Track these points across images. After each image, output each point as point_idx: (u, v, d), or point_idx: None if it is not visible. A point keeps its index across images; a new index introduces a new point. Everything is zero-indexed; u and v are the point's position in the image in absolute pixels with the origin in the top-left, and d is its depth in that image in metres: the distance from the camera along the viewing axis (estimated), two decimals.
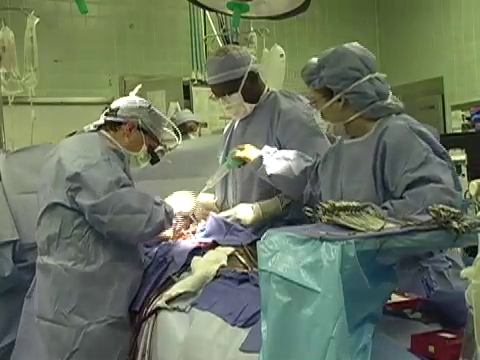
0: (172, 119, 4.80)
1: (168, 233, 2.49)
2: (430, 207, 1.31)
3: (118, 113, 2.40)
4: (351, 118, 1.95)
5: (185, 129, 4.81)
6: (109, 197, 2.17)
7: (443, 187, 1.70)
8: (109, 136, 2.39)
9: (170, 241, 2.48)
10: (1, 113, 3.70)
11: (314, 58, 2.02)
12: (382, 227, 1.27)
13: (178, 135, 2.57)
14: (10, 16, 4.17)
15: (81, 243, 2.20)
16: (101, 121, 2.41)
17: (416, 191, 1.73)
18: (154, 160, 2.49)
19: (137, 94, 2.52)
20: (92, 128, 2.41)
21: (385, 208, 1.70)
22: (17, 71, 3.71)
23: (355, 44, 2.01)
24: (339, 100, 1.94)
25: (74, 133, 2.44)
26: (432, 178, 1.74)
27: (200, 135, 4.97)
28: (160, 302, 2.09)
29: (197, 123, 4.96)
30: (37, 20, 3.82)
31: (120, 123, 2.40)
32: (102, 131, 2.40)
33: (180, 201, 2.54)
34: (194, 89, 5.34)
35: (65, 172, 2.21)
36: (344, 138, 2.05)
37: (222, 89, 2.46)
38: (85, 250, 2.20)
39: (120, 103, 2.44)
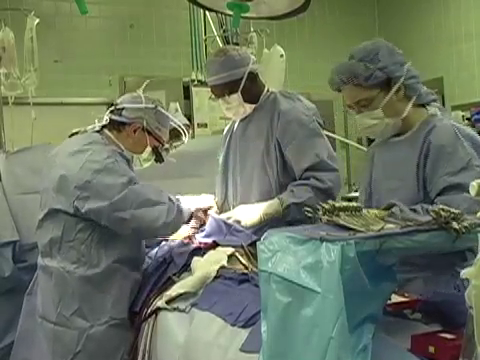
0: None
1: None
2: (430, 207, 1.31)
3: (123, 113, 2.37)
4: (409, 107, 1.89)
5: (176, 133, 4.77)
6: (125, 193, 2.16)
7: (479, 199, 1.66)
8: (112, 137, 2.36)
9: (170, 242, 2.48)
10: (1, 113, 3.71)
11: (349, 60, 1.93)
12: (382, 227, 1.28)
13: (184, 134, 2.57)
14: (10, 16, 4.17)
15: (83, 246, 2.19)
16: (105, 121, 2.36)
17: (448, 198, 1.68)
18: (159, 159, 2.47)
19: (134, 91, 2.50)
20: (97, 128, 2.37)
21: (414, 210, 1.67)
22: (17, 71, 3.71)
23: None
24: (398, 90, 1.87)
25: (77, 133, 2.41)
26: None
27: (193, 137, 4.93)
28: (160, 302, 2.09)
29: (189, 126, 4.92)
30: (37, 20, 3.82)
31: (124, 123, 2.37)
32: (105, 131, 2.37)
33: (198, 198, 2.51)
34: (194, 89, 5.33)
35: (72, 180, 2.17)
36: (380, 137, 2.00)
37: (222, 90, 2.46)
38: (87, 254, 2.19)
39: (126, 102, 2.40)
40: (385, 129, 1.92)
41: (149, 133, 2.39)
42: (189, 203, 2.40)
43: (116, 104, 2.41)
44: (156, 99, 2.47)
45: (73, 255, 2.19)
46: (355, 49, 1.94)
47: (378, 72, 1.86)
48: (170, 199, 2.30)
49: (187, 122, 4.89)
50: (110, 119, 2.37)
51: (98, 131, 2.38)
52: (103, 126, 2.38)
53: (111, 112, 2.38)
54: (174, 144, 2.52)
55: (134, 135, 2.37)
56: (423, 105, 1.93)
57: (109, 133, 2.37)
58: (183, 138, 2.56)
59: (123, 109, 2.37)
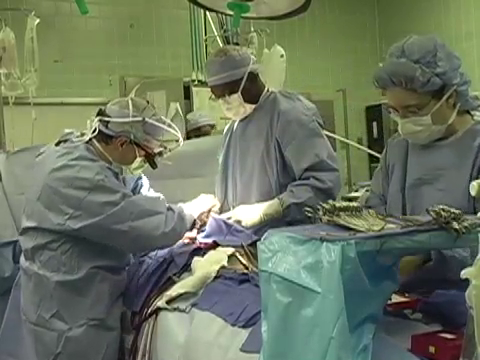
0: (187, 121, 4.79)
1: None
2: (430, 207, 1.31)
3: (109, 126, 2.28)
4: (455, 113, 1.75)
5: (200, 133, 4.81)
6: (122, 206, 2.14)
7: None
8: (100, 148, 2.29)
9: None
10: (2, 113, 3.72)
11: (400, 58, 1.73)
12: (382, 227, 1.27)
13: (177, 139, 2.54)
14: (10, 17, 4.18)
15: (64, 257, 2.18)
16: (94, 129, 2.27)
17: None
18: (152, 166, 2.41)
19: (136, 95, 2.47)
20: (86, 139, 2.29)
21: None
22: (17, 71, 3.72)
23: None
24: (449, 96, 1.73)
25: (66, 141, 2.32)
26: None
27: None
28: (160, 302, 2.09)
29: (212, 126, 4.92)
30: (37, 20, 3.84)
31: (111, 136, 2.28)
32: (94, 142, 2.29)
33: (199, 201, 2.48)
34: (194, 89, 5.33)
35: (61, 198, 2.14)
36: (423, 143, 1.83)
37: (222, 90, 2.46)
38: (68, 263, 2.18)
39: (113, 114, 2.29)
40: (429, 135, 1.78)
41: (137, 145, 2.31)
42: (191, 209, 2.38)
43: (105, 113, 2.31)
44: (147, 105, 2.35)
45: (53, 264, 2.18)
46: (409, 46, 1.74)
47: (435, 78, 1.69)
48: (169, 208, 2.27)
49: (210, 122, 4.87)
50: (99, 129, 2.28)
51: (86, 142, 2.29)
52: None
53: (100, 120, 2.29)
54: (169, 147, 2.48)
55: (121, 148, 2.29)
56: (467, 111, 1.81)
57: (97, 144, 2.29)
58: (180, 144, 2.52)
59: (109, 122, 2.27)
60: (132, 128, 2.27)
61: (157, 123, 2.33)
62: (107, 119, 2.28)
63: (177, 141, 2.47)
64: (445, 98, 1.73)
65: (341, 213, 1.36)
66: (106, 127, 2.28)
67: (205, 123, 4.89)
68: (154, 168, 2.42)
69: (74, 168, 2.17)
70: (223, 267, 2.15)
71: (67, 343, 2.16)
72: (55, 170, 2.19)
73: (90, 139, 2.30)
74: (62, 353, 2.17)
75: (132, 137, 2.28)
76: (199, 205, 2.46)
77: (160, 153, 2.41)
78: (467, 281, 1.02)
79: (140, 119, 2.28)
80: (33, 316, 2.21)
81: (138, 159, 2.36)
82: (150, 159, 2.38)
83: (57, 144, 2.34)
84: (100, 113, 2.32)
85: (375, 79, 1.78)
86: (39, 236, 2.21)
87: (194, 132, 4.78)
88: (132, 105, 2.30)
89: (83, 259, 2.19)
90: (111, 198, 2.15)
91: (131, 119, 2.27)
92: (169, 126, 2.40)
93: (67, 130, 2.38)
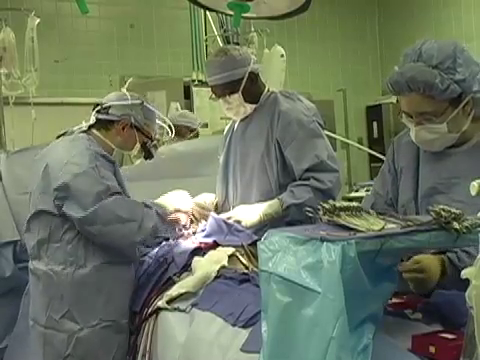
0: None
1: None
2: (430, 207, 1.31)
3: (110, 111, 2.36)
4: (470, 120, 1.69)
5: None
6: (96, 209, 2.13)
7: None
8: (101, 136, 2.35)
9: (170, 241, 2.48)
10: (2, 113, 3.72)
11: (416, 62, 1.67)
12: (382, 227, 1.27)
13: (171, 129, 2.56)
14: (11, 16, 4.18)
15: (70, 247, 2.17)
16: (92, 120, 2.35)
17: None
18: (148, 156, 2.46)
19: (133, 92, 2.48)
20: (84, 128, 2.36)
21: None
22: (18, 71, 3.73)
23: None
24: (466, 103, 1.66)
25: (65, 133, 2.39)
26: None
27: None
28: (161, 302, 2.09)
29: (192, 130, 4.51)
30: (38, 20, 3.84)
31: (112, 122, 2.36)
32: (93, 131, 2.36)
33: (176, 199, 2.47)
34: (195, 89, 5.35)
35: (52, 181, 2.17)
36: (436, 150, 1.76)
37: (222, 90, 2.45)
38: (74, 254, 2.17)
39: (111, 101, 2.39)
40: (443, 143, 1.72)
41: (137, 129, 2.39)
42: (168, 203, 2.38)
43: (102, 104, 2.40)
44: (142, 95, 2.47)
45: (60, 256, 2.18)
46: (427, 50, 1.67)
47: (455, 85, 1.62)
48: (147, 206, 2.25)
49: (188, 125, 4.70)
50: (97, 119, 2.36)
51: (85, 131, 2.36)
52: (91, 126, 2.36)
53: (98, 112, 2.37)
54: (164, 139, 2.52)
55: (123, 132, 2.37)
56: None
57: (97, 132, 2.36)
58: (171, 135, 2.57)
59: (110, 107, 2.37)
60: (132, 111, 2.37)
61: (153, 108, 2.45)
62: (108, 104, 2.37)
63: (169, 129, 2.53)
64: (462, 105, 1.66)
65: (341, 213, 1.36)
66: (107, 114, 2.36)
67: (181, 123, 4.40)
68: (150, 158, 2.47)
69: (69, 154, 2.22)
70: (223, 267, 2.15)
71: (77, 344, 2.15)
72: (52, 156, 2.25)
73: (89, 129, 2.36)
74: (71, 355, 2.15)
75: (133, 120, 2.36)
76: (178, 202, 2.44)
77: (155, 146, 2.48)
78: (467, 281, 1.02)
79: (139, 102, 2.39)
80: (42, 318, 2.19)
81: (137, 145, 2.42)
82: (146, 148, 2.44)
83: (57, 139, 2.39)
84: (97, 106, 2.40)
85: (390, 83, 1.70)
86: (42, 228, 2.21)
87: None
88: (128, 93, 2.42)
89: (90, 249, 2.18)
90: (94, 188, 2.15)
91: (131, 102, 2.37)
92: (163, 123, 2.52)
93: (63, 131, 2.42)
